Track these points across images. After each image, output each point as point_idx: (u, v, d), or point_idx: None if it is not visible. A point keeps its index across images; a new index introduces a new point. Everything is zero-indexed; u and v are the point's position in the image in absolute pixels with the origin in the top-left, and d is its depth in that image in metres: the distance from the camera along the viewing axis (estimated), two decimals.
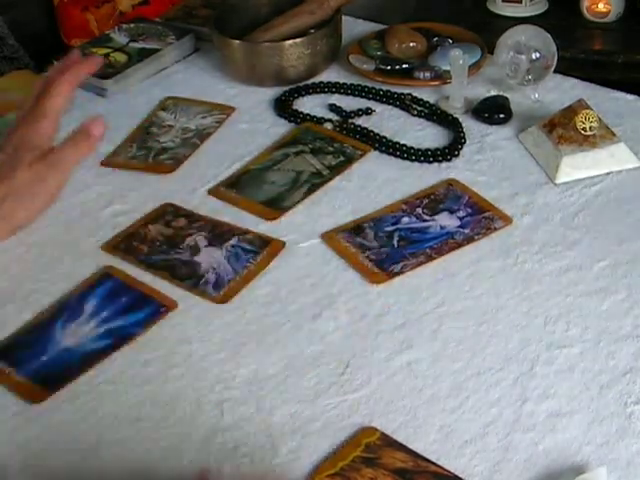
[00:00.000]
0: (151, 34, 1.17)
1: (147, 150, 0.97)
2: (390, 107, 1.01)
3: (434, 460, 0.60)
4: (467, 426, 0.63)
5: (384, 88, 1.02)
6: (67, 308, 0.76)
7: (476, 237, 0.80)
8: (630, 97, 0.98)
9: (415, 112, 0.99)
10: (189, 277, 0.78)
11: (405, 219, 0.82)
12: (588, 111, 0.87)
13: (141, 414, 0.66)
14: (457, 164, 0.90)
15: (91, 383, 0.69)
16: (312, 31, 1.06)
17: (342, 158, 0.92)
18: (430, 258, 0.78)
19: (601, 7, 1.79)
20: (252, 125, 1.00)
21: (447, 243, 0.79)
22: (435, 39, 1.09)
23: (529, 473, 0.59)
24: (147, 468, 0.62)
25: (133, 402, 0.67)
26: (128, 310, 0.75)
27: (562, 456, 0.60)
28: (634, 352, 0.67)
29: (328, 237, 0.82)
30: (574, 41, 1.75)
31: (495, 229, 0.80)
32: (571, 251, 0.77)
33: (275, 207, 0.86)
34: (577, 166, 0.86)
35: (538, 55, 0.96)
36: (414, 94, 1.00)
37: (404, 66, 1.05)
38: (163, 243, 0.82)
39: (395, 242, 0.80)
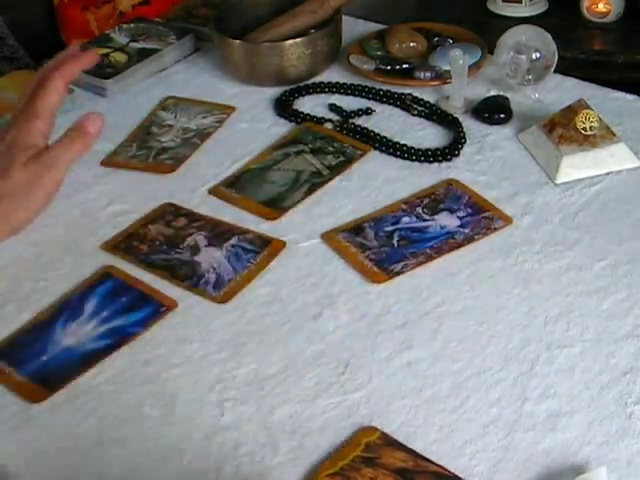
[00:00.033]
0: (151, 34, 1.17)
1: (147, 150, 0.97)
2: (390, 107, 1.01)
3: (434, 460, 0.60)
4: (467, 426, 0.63)
5: (384, 88, 1.02)
6: (67, 308, 0.76)
7: (476, 237, 0.80)
8: (630, 97, 0.98)
9: (415, 112, 0.99)
10: (189, 277, 0.78)
11: (405, 219, 0.82)
12: (588, 111, 0.87)
13: (141, 414, 0.66)
14: (457, 164, 0.90)
15: (91, 383, 0.69)
16: (312, 31, 1.06)
17: (342, 158, 0.92)
18: (430, 258, 0.78)
19: (601, 7, 1.79)
20: (252, 125, 1.00)
21: (447, 243, 0.79)
22: (435, 39, 1.09)
23: (529, 473, 0.59)
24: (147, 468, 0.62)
25: (133, 402, 0.67)
26: (128, 310, 0.75)
27: (562, 456, 0.60)
28: (634, 352, 0.67)
29: (328, 237, 0.82)
30: (574, 41, 1.75)
31: (495, 229, 0.80)
32: (571, 251, 0.77)
33: (275, 207, 0.86)
34: (577, 166, 0.86)
35: (538, 55, 0.96)
36: (414, 94, 1.00)
37: (404, 66, 1.05)
38: (163, 243, 0.82)
39: (395, 242, 0.80)
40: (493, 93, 0.99)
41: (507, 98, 0.97)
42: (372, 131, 0.95)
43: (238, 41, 1.04)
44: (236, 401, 0.66)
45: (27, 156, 0.78)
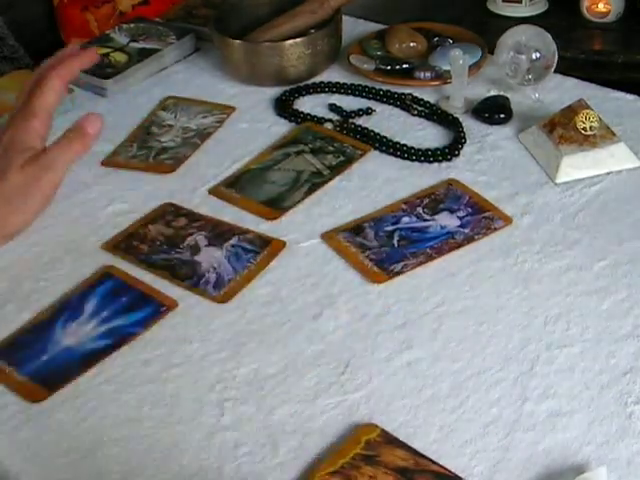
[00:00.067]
0: (151, 34, 1.17)
1: (147, 150, 0.97)
2: (390, 107, 1.01)
3: (434, 460, 0.60)
4: (467, 426, 0.63)
5: (384, 88, 1.02)
6: (67, 308, 0.76)
7: (476, 237, 0.80)
8: (630, 97, 0.98)
9: (415, 112, 0.99)
10: (189, 277, 0.78)
11: (405, 219, 0.82)
12: (588, 111, 0.87)
13: (141, 414, 0.66)
14: (457, 164, 0.90)
15: (91, 383, 0.69)
16: (312, 31, 1.06)
17: (342, 158, 0.92)
18: (430, 258, 0.78)
19: (601, 7, 1.79)
20: (252, 125, 1.00)
21: (447, 243, 0.79)
22: (435, 39, 1.09)
23: (529, 473, 0.59)
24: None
25: (133, 402, 0.67)
26: (128, 310, 0.75)
27: (562, 456, 0.60)
28: (634, 352, 0.67)
29: (328, 237, 0.82)
30: (574, 41, 1.75)
31: (495, 229, 0.80)
32: (571, 251, 0.77)
33: (275, 207, 0.86)
34: (577, 166, 0.86)
35: (538, 55, 0.96)
36: (414, 94, 1.00)
37: (404, 66, 1.05)
38: (163, 243, 0.82)
39: (395, 242, 0.80)
40: (493, 93, 0.99)
41: (507, 98, 0.97)
42: (372, 131, 0.95)
43: (238, 41, 1.04)
44: (236, 401, 0.66)
45: (24, 158, 0.76)
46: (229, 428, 0.64)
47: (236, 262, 0.79)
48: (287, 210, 0.85)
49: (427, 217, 0.82)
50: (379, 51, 1.08)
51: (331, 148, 0.93)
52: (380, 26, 1.15)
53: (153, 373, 0.69)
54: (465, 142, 0.92)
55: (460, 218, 0.82)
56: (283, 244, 0.81)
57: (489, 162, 0.90)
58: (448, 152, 0.91)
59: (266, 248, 0.81)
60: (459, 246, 0.79)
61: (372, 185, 0.88)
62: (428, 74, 1.02)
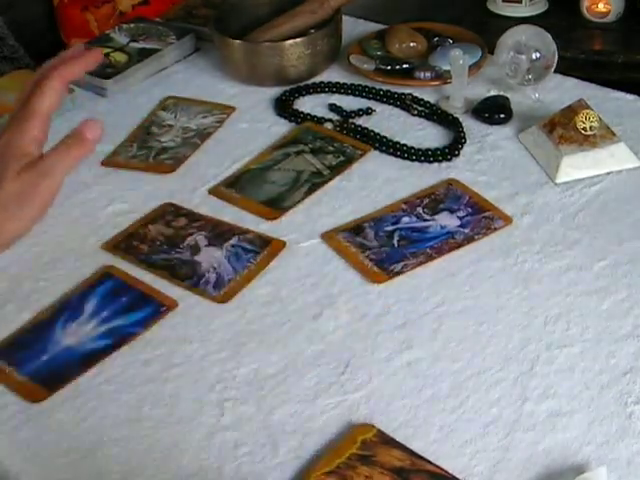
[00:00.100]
0: (151, 34, 1.17)
1: (147, 150, 0.97)
2: (390, 107, 1.01)
3: (434, 460, 0.60)
4: (467, 426, 0.63)
5: (384, 88, 1.02)
6: (67, 308, 0.76)
7: (476, 237, 0.80)
8: (630, 97, 0.98)
9: (415, 112, 0.99)
10: (189, 277, 0.78)
11: (405, 219, 0.82)
12: (588, 111, 0.87)
13: (141, 414, 0.66)
14: (457, 164, 0.90)
15: (91, 383, 0.69)
16: (312, 31, 1.06)
17: (342, 158, 0.92)
18: (430, 258, 0.78)
19: (601, 7, 1.79)
20: (252, 125, 1.00)
21: (447, 243, 0.79)
22: (435, 39, 1.09)
23: (529, 473, 0.59)
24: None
25: (133, 402, 0.67)
26: (128, 310, 0.75)
27: (562, 456, 0.60)
28: (634, 352, 0.67)
29: (328, 237, 0.82)
30: (574, 41, 1.75)
31: (495, 229, 0.80)
32: (571, 251, 0.77)
33: (275, 207, 0.86)
34: (577, 166, 0.86)
35: (538, 55, 0.96)
36: (414, 94, 1.00)
37: (404, 66, 1.05)
38: (163, 243, 0.82)
39: (395, 242, 0.80)
40: (493, 93, 0.99)
41: (507, 98, 0.97)
42: (372, 131, 0.95)
43: (238, 41, 1.04)
44: (236, 401, 0.66)
45: (21, 165, 0.74)
46: (229, 428, 0.64)
47: (236, 262, 0.79)
48: (287, 210, 0.85)
49: (427, 217, 0.82)
50: (379, 51, 1.08)
51: (331, 148, 0.93)
52: (380, 26, 1.15)
53: (153, 373, 0.69)
54: (465, 142, 0.92)
55: (460, 218, 0.82)
56: (283, 244, 0.81)
57: (489, 162, 0.90)
58: (448, 152, 0.91)
59: (266, 248, 0.81)
60: (459, 246, 0.79)
61: (372, 185, 0.88)
62: (428, 74, 1.02)
